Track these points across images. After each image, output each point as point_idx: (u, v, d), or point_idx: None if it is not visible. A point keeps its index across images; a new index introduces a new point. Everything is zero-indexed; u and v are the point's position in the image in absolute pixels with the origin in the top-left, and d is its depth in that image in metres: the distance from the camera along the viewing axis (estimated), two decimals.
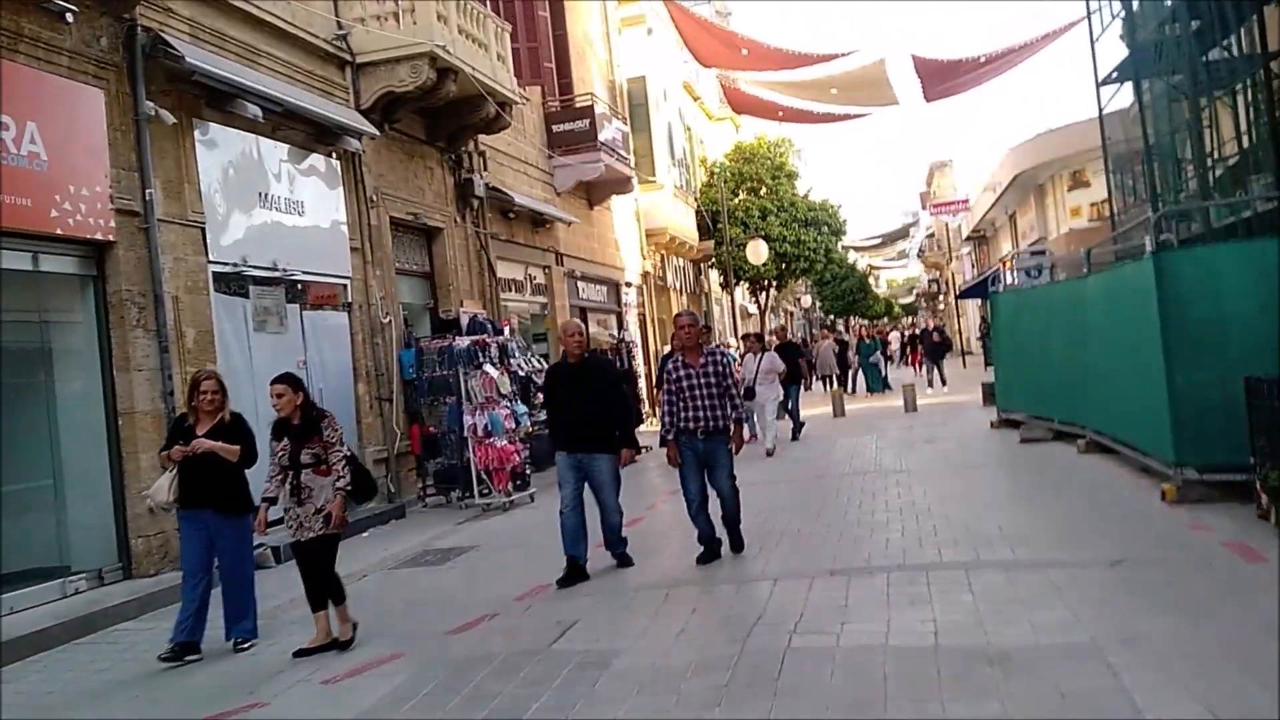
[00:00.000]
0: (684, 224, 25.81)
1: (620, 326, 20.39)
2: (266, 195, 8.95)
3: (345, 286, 10.22)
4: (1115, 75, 13.91)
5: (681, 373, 6.45)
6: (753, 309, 36.08)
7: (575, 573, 6.43)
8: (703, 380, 6.39)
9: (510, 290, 15.12)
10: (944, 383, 22.54)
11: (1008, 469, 9.91)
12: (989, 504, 7.81)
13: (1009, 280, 15.28)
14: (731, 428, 6.49)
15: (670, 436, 6.49)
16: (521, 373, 11.79)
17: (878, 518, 7.62)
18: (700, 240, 27.79)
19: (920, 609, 5.02)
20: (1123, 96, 17.94)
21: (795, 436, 14.24)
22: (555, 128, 17.26)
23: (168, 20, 7.79)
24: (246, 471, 5.62)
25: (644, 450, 14.17)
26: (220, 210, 8.32)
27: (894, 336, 36.58)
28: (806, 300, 54.97)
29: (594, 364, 6.82)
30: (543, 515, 8.71)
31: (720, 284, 30.80)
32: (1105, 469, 9.15)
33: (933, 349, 24.08)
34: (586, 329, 18.66)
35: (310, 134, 9.68)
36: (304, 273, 9.39)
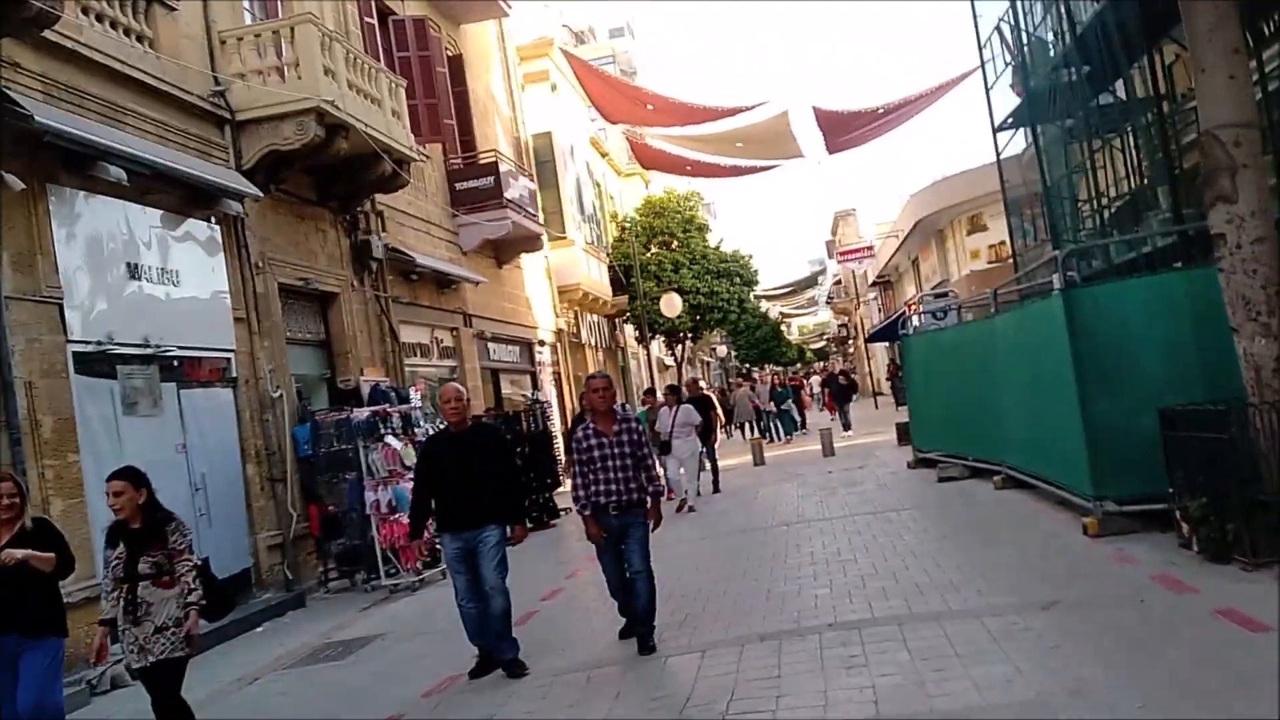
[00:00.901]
0: (597, 280, 25.61)
1: (535, 386, 19.91)
2: (136, 266, 8.28)
3: (229, 361, 9.53)
4: (1010, 121, 14.27)
5: (593, 441, 5.78)
6: (670, 361, 35.98)
7: (487, 662, 5.85)
8: (616, 450, 5.74)
9: (416, 355, 14.53)
10: (848, 427, 22.56)
11: (928, 510, 9.74)
12: (914, 549, 7.56)
13: (916, 323, 15.36)
14: (649, 501, 5.84)
15: (587, 512, 5.82)
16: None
17: (804, 572, 7.28)
18: (614, 295, 27.60)
19: (857, 674, 4.65)
20: (1017, 142, 18.57)
21: (715, 489, 13.91)
22: (459, 185, 16.88)
23: (15, 77, 7.15)
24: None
25: (562, 513, 13.65)
26: (81, 284, 7.63)
27: (815, 380, 36.76)
28: (722, 350, 55.38)
29: (479, 431, 6.15)
30: (444, 597, 8.09)
31: (636, 338, 30.63)
32: (1024, 505, 9.07)
33: (840, 392, 24.25)
34: (498, 389, 18.55)
35: (185, 197, 9.07)
36: (179, 348, 8.68)
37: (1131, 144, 12.65)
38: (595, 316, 27.11)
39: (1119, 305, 7.52)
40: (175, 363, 8.75)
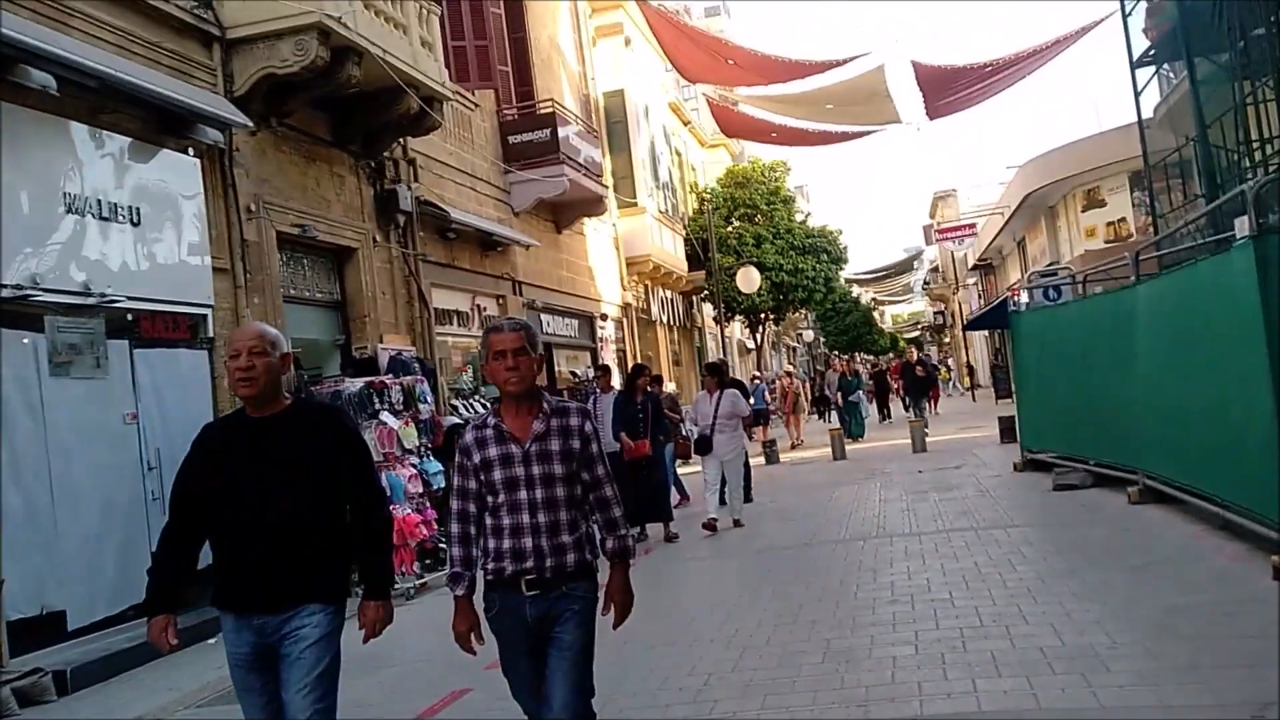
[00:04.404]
0: (670, 252, 23.81)
1: (595, 365, 18.29)
2: (77, 197, 6.90)
3: (205, 318, 8.11)
4: (1153, 54, 11.91)
5: (493, 452, 2.99)
6: (750, 345, 33.95)
7: None
8: (537, 470, 2.97)
9: (452, 323, 13.06)
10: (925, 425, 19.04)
11: (1045, 529, 7.75)
12: (1032, 588, 5.63)
13: (1025, 300, 13.21)
14: (604, 562, 3.07)
15: (460, 591, 3.04)
16: (447, 422, 9.71)
17: (880, 614, 5.43)
18: (690, 271, 25.78)
19: None
20: (1151, 98, 16.00)
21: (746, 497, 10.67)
22: (512, 139, 15.30)
23: None
24: None
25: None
26: None
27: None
28: (809, 334, 52.97)
29: (302, 416, 3.14)
30: (449, 607, 6.49)
31: (714, 318, 28.73)
32: (1174, 528, 7.03)
33: (915, 385, 21.49)
34: (552, 365, 16.95)
35: (152, 122, 7.67)
36: (131, 298, 7.25)
37: None
38: (669, 292, 25.34)
39: None
40: (129, 316, 7.36)
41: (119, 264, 7.24)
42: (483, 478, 3.00)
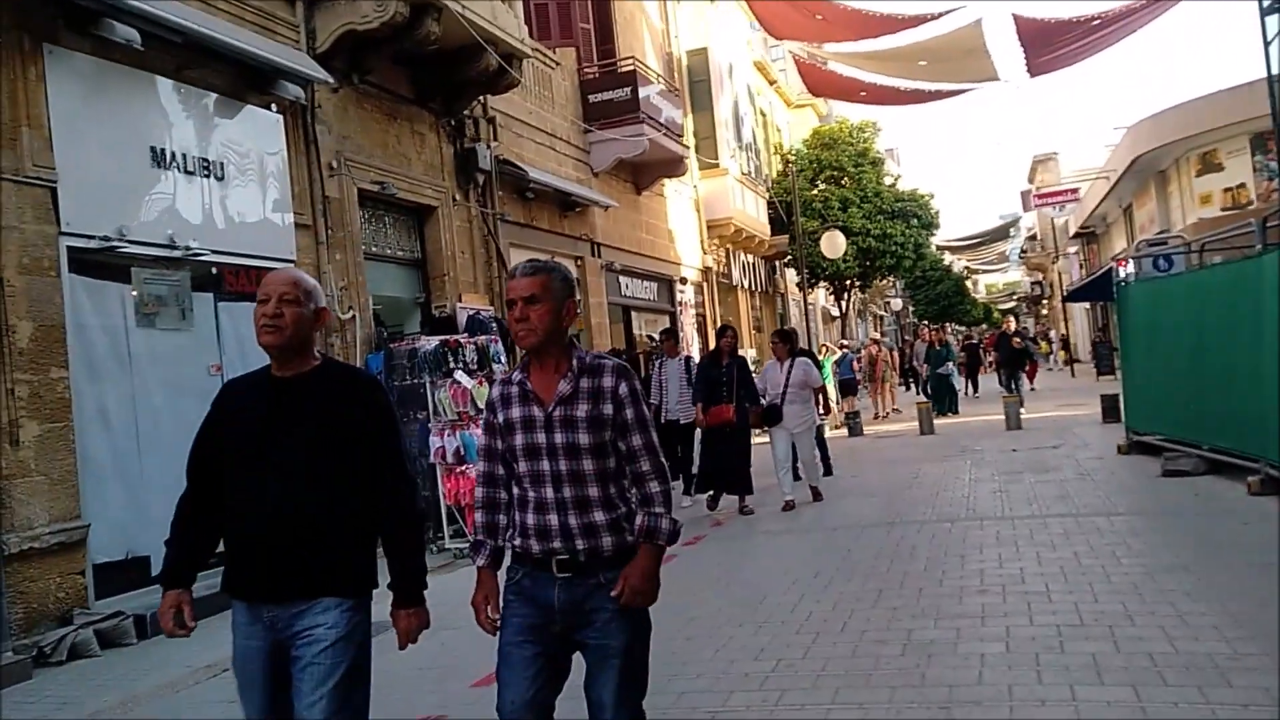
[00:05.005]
0: (752, 215, 23.27)
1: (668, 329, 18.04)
2: (163, 151, 6.95)
3: None
4: None
5: (515, 413, 2.61)
6: (835, 312, 33.20)
7: None
8: (561, 436, 2.55)
9: None
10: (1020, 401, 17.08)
11: (1153, 518, 7.24)
12: (1141, 586, 5.21)
13: (1131, 269, 12.40)
14: (644, 548, 2.59)
15: (481, 561, 2.69)
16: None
17: (967, 605, 5.10)
18: (773, 235, 25.19)
19: None
20: (1276, 51, 14.77)
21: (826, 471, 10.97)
22: (592, 98, 15.03)
23: None
24: None
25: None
26: (85, 168, 6.33)
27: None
28: (897, 303, 51.61)
29: (331, 379, 2.68)
30: None
31: (798, 284, 28.13)
32: None
33: (1010, 358, 20.59)
34: (629, 327, 16.88)
35: (236, 78, 7.68)
36: (216, 252, 7.34)
37: None
38: (750, 256, 24.84)
39: None
40: (213, 270, 7.43)
41: (203, 218, 7.30)
42: (505, 441, 2.64)
